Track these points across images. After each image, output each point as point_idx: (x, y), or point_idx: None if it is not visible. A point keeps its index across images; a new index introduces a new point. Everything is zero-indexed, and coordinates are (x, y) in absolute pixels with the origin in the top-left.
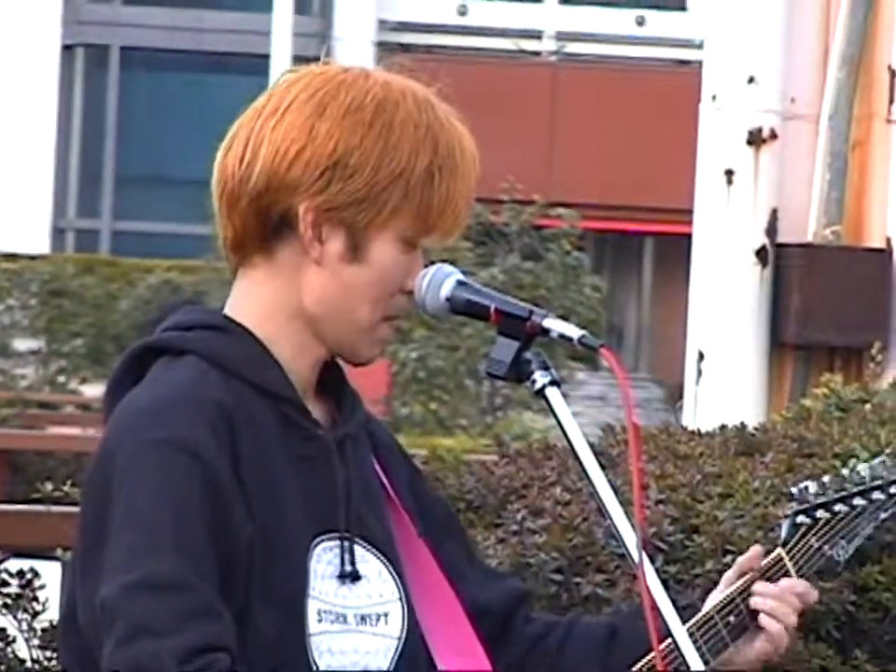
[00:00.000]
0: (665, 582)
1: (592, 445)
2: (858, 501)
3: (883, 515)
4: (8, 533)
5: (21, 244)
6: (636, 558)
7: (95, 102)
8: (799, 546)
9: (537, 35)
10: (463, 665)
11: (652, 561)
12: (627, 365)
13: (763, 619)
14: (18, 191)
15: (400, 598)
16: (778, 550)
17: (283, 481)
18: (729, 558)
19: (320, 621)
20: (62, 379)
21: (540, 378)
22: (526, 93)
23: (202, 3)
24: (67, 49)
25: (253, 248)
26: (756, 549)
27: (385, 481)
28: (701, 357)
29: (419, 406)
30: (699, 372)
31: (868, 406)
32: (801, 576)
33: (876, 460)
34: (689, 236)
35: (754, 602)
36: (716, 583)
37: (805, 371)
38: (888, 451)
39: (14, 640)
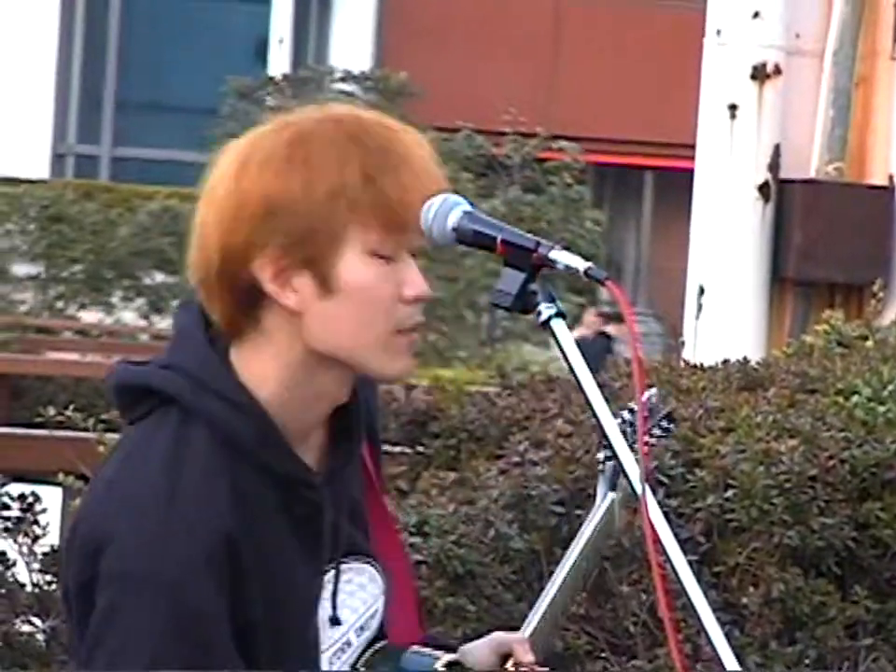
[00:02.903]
0: (666, 515)
1: (595, 377)
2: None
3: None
4: (9, 457)
5: (20, 168)
6: (638, 491)
7: (96, 26)
8: (622, 489)
9: None
10: (407, 632)
11: (654, 494)
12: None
13: None
14: (18, 116)
15: (383, 591)
16: (610, 496)
17: (287, 559)
18: (730, 492)
19: (332, 664)
20: (60, 304)
21: (546, 310)
22: (530, 26)
23: None
24: None
25: (243, 324)
26: (524, 642)
27: (370, 467)
28: (702, 291)
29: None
30: (699, 307)
31: (870, 343)
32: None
33: (651, 392)
34: (691, 171)
35: None
36: (717, 517)
37: (805, 307)
38: (890, 387)
39: (14, 564)
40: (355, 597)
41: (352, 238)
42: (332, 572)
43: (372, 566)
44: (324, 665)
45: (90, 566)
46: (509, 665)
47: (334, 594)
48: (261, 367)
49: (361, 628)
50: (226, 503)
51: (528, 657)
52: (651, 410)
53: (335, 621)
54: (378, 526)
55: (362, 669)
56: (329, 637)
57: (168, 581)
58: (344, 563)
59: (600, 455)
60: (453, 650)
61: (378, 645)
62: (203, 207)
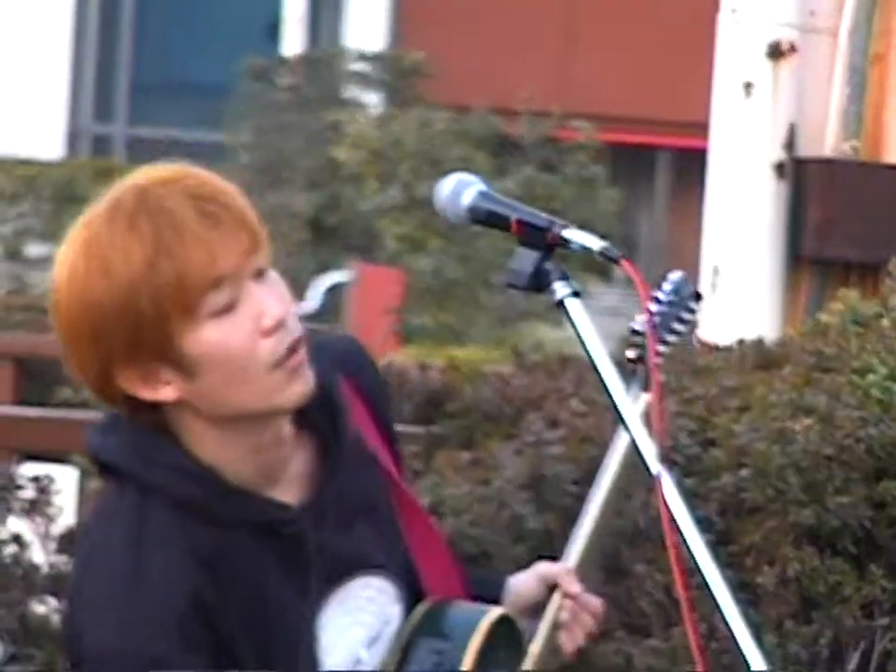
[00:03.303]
0: (682, 495)
1: (610, 357)
2: (681, 326)
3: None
4: (24, 437)
5: (35, 148)
6: (653, 471)
7: (111, 5)
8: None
9: None
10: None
11: (669, 474)
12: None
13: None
14: (32, 96)
15: (399, 597)
16: (644, 397)
17: (273, 597)
18: (745, 472)
19: None
20: None
21: (561, 289)
22: (545, 4)
23: None
24: None
25: (153, 421)
26: (570, 570)
27: (387, 459)
28: (716, 271)
29: (432, 317)
30: (714, 286)
31: (885, 321)
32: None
33: (676, 274)
34: (705, 150)
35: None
36: (732, 496)
37: (821, 285)
38: None
39: (30, 545)
40: (361, 612)
41: (176, 319)
42: (332, 595)
43: (382, 577)
44: None
45: (73, 650)
46: (556, 595)
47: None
48: (192, 443)
49: (373, 640)
50: (192, 569)
51: (575, 587)
52: (679, 289)
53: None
54: (407, 517)
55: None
56: (335, 658)
57: (147, 656)
58: (347, 581)
59: (630, 353)
60: (498, 598)
61: (418, 614)
62: (61, 338)
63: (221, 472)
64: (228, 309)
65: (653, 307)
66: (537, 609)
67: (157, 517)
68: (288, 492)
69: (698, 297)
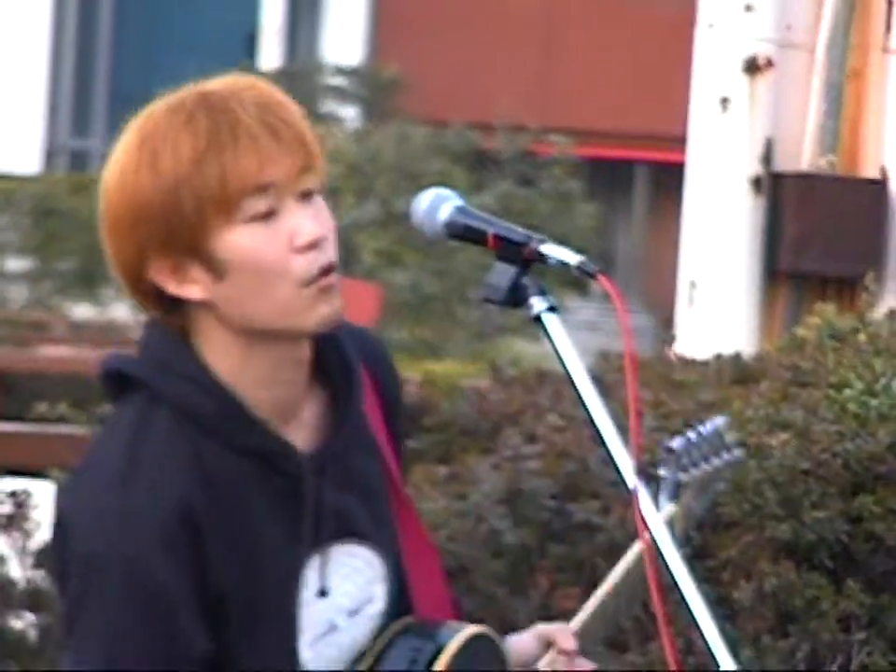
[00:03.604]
0: (658, 510)
1: (587, 372)
2: (716, 460)
3: (728, 473)
4: (1, 452)
5: (12, 163)
6: (630, 486)
7: (89, 20)
8: (682, 504)
9: None
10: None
11: (647, 489)
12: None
13: None
14: (10, 111)
15: (384, 576)
16: (669, 507)
17: (260, 534)
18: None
19: (312, 645)
20: (53, 300)
21: (538, 304)
22: (521, 19)
23: None
24: None
25: (176, 321)
26: (564, 628)
27: (386, 456)
28: (693, 285)
29: (409, 331)
30: (691, 301)
31: (862, 336)
32: (686, 534)
33: (717, 419)
34: (683, 165)
35: None
36: (708, 511)
37: (797, 300)
38: (882, 381)
39: (7, 560)
40: (347, 580)
41: (214, 219)
42: (320, 552)
43: (371, 550)
44: (304, 646)
45: (61, 551)
46: (551, 651)
47: (323, 570)
48: (212, 355)
49: (352, 612)
50: (186, 479)
51: (570, 644)
52: (716, 436)
53: (322, 593)
54: (404, 525)
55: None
56: (312, 615)
57: (129, 557)
58: (336, 543)
59: (662, 472)
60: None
61: (403, 621)
62: (104, 222)
63: (237, 394)
64: (266, 218)
65: (683, 438)
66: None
67: (161, 424)
68: (296, 438)
69: (742, 445)
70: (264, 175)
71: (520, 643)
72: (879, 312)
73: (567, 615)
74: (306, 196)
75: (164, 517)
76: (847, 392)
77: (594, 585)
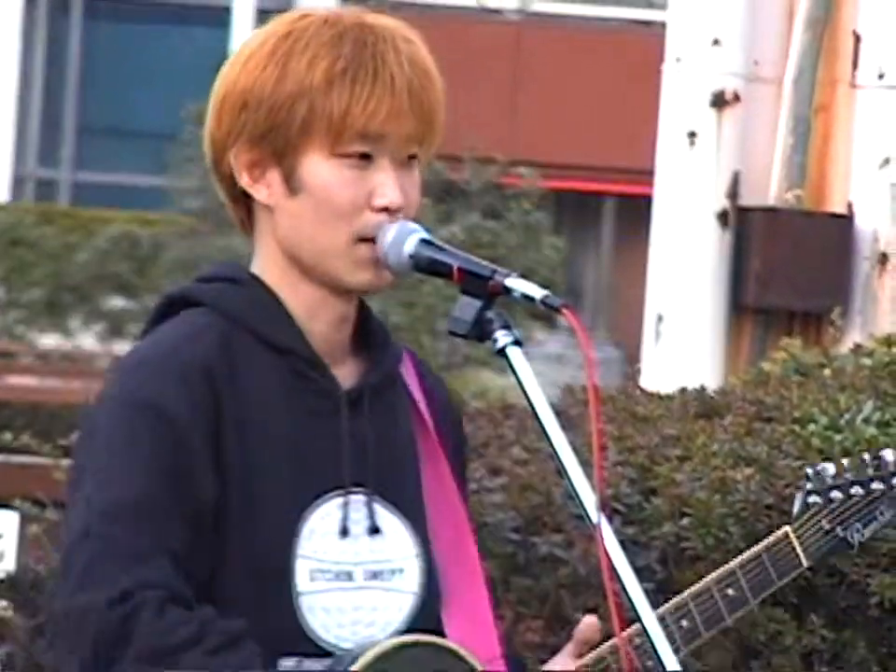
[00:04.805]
0: (622, 544)
1: (551, 405)
2: (875, 486)
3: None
4: None
5: None
6: (594, 519)
7: (57, 50)
8: (807, 526)
9: None
10: (472, 632)
11: (610, 522)
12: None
13: None
14: None
15: (418, 555)
16: (785, 528)
17: (276, 440)
18: (686, 521)
19: (313, 579)
20: (19, 329)
21: (502, 337)
22: (489, 51)
23: None
24: None
25: (241, 216)
26: (591, 619)
27: (419, 437)
28: (660, 319)
29: None
30: (657, 334)
31: (827, 371)
32: (808, 556)
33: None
34: (650, 197)
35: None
36: (672, 545)
37: (763, 334)
38: (847, 416)
39: None
40: (374, 540)
41: (315, 139)
42: (344, 498)
43: (403, 521)
44: (298, 576)
45: (87, 434)
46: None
47: (369, 509)
48: (261, 263)
49: (375, 574)
50: (209, 349)
51: (596, 635)
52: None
53: (344, 532)
54: (435, 492)
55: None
56: (319, 546)
57: (144, 398)
58: (373, 497)
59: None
60: None
61: (427, 638)
62: (214, 93)
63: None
64: (358, 165)
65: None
66: None
67: (198, 318)
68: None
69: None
70: (383, 126)
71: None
72: (845, 346)
73: (530, 647)
74: (405, 163)
75: (185, 360)
76: (811, 427)
77: (557, 618)
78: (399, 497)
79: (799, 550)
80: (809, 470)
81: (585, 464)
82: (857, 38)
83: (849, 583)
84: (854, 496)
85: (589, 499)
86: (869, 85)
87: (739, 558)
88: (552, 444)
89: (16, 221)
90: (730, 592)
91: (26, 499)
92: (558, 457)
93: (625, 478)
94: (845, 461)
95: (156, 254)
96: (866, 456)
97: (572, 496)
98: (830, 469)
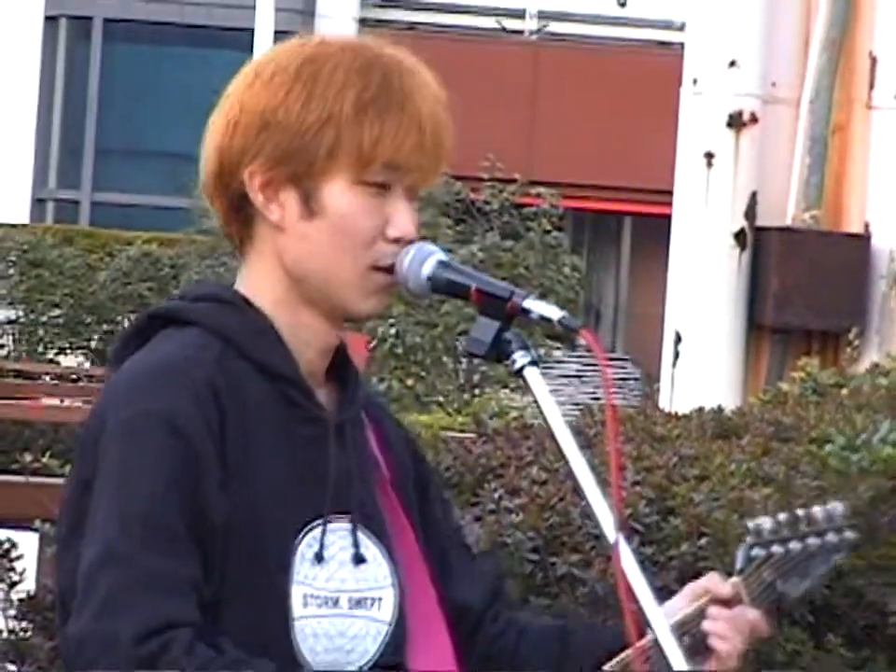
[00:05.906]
0: (640, 564)
1: (570, 425)
2: (812, 541)
3: (836, 557)
4: None
5: (1, 213)
6: (612, 539)
7: (77, 73)
8: (753, 577)
9: (519, 14)
10: (431, 664)
11: (628, 542)
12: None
13: (712, 640)
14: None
15: (393, 584)
16: (734, 578)
17: (274, 464)
18: (704, 541)
19: (306, 605)
20: (40, 349)
21: (520, 358)
22: (508, 72)
23: None
24: (50, 20)
25: (237, 234)
26: (714, 575)
27: (381, 461)
28: (678, 338)
29: (396, 382)
30: (676, 354)
31: (845, 391)
32: (755, 607)
33: (832, 504)
34: (669, 217)
35: (706, 625)
36: (690, 565)
37: (781, 354)
38: (864, 436)
39: None
40: (359, 568)
41: (340, 165)
42: (350, 525)
43: (380, 548)
44: (294, 601)
45: (91, 453)
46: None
47: (354, 537)
48: (255, 283)
49: (358, 602)
50: (211, 367)
51: (725, 589)
52: (826, 518)
53: (319, 558)
54: (392, 521)
55: None
56: (310, 573)
57: (159, 411)
58: (357, 525)
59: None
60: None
61: None
62: (216, 112)
63: (268, 318)
64: (378, 194)
65: (774, 517)
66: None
67: (192, 338)
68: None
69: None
70: (408, 158)
71: (671, 606)
72: (862, 366)
73: None
74: (412, 194)
75: (194, 377)
76: (829, 447)
77: None
78: (378, 526)
79: (747, 600)
80: (750, 525)
81: (603, 484)
82: (873, 60)
83: (867, 603)
84: (791, 550)
85: (607, 519)
86: (885, 106)
87: (693, 605)
88: (570, 464)
89: (36, 242)
90: (685, 639)
91: (46, 521)
92: (576, 477)
93: (643, 498)
94: (781, 516)
95: (176, 274)
96: (800, 512)
97: (590, 515)
98: (767, 523)
